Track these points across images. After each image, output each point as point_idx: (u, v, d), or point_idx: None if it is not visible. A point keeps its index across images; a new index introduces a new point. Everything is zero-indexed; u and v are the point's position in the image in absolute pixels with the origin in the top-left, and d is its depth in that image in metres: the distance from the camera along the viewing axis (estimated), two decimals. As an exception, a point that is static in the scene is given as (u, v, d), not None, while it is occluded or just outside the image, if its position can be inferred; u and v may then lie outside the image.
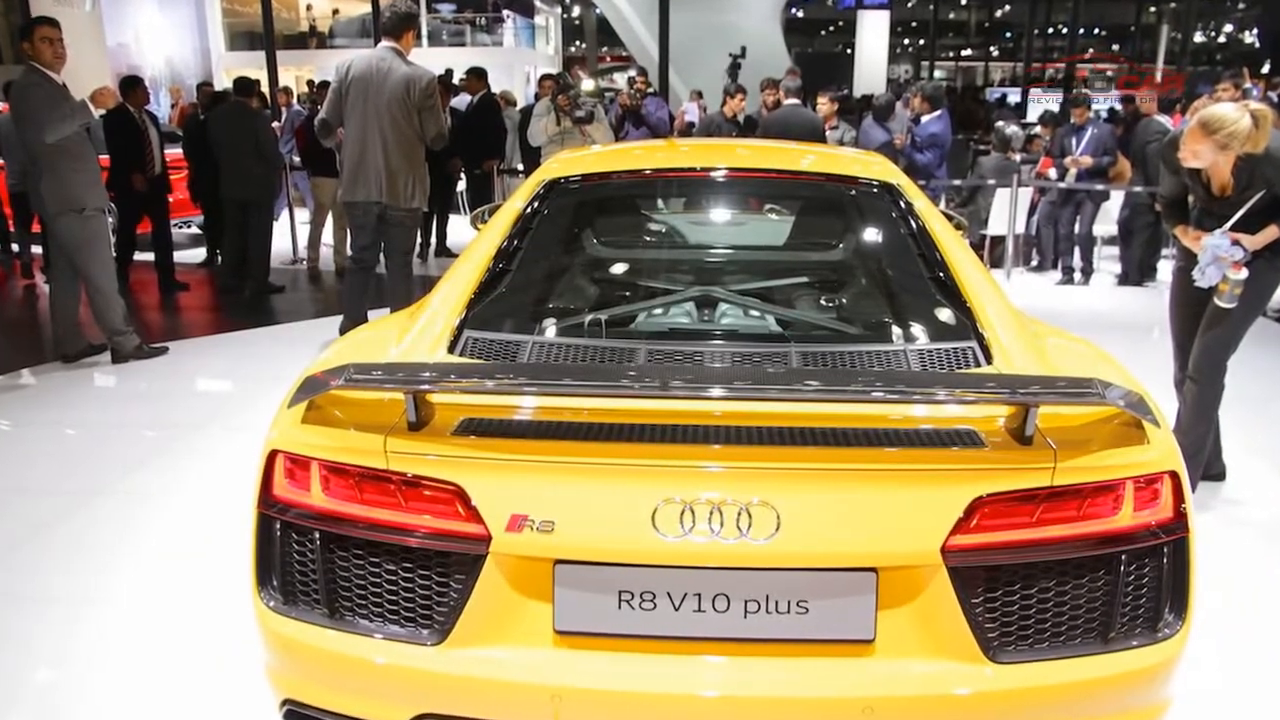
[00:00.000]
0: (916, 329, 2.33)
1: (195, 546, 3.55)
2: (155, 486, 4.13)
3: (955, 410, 1.86)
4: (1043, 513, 1.72)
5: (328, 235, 9.26)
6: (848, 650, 1.75)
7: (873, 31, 25.23)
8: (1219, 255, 3.60)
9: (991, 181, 9.22)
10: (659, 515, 1.70)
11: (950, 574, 1.71)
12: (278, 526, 1.86)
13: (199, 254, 9.84)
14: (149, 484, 4.16)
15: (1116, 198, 9.04)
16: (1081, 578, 1.76)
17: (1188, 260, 3.89)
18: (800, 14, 45.65)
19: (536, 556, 1.73)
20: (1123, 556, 1.75)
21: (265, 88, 12.94)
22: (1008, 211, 8.96)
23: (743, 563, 1.71)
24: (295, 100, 13.85)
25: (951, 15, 49.91)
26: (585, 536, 1.72)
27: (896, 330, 2.34)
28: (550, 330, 2.35)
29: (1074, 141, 8.90)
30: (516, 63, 25.86)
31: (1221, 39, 48.14)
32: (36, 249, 8.63)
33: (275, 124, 10.58)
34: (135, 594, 3.23)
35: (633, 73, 10.82)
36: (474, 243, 2.64)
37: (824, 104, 8.48)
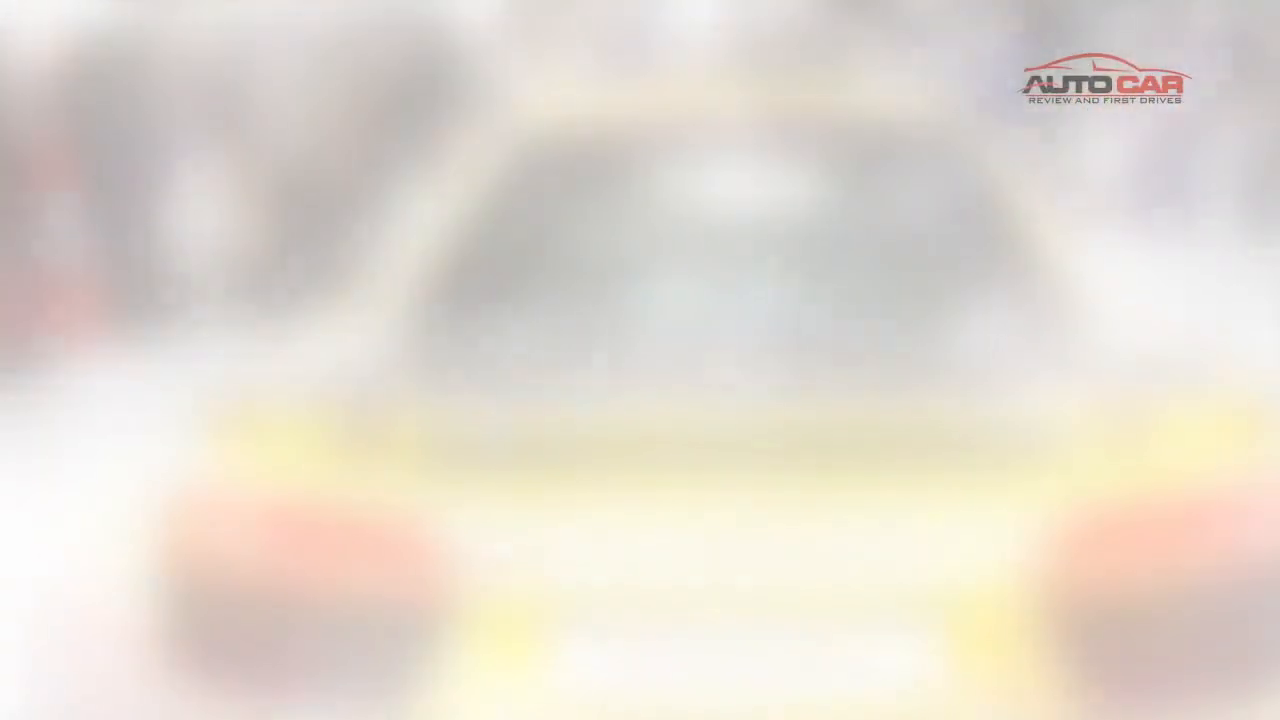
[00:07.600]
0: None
1: (79, 621, 3.38)
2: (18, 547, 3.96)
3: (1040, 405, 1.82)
4: (1157, 532, 1.67)
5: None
6: (911, 708, 1.66)
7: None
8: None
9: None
10: (668, 549, 1.64)
11: (1041, 611, 1.64)
12: (190, 589, 1.76)
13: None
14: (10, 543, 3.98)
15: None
16: (1207, 611, 1.69)
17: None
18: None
19: (518, 605, 1.66)
20: (1259, 583, 1.69)
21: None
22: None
23: (775, 605, 1.65)
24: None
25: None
26: (576, 579, 1.66)
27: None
28: None
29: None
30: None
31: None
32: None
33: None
34: None
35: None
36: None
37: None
